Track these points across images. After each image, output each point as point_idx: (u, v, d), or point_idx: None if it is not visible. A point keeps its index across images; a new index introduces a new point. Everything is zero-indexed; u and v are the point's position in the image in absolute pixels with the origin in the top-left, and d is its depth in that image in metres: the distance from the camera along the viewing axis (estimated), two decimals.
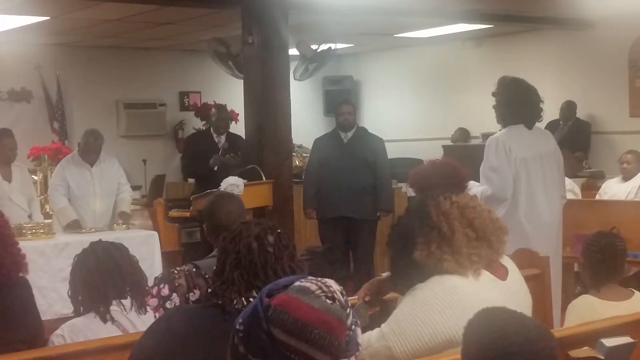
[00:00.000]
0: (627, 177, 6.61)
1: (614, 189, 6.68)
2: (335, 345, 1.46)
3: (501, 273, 2.42)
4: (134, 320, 2.89)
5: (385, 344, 2.29)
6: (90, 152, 6.23)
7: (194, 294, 2.88)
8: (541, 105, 4.51)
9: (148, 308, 2.93)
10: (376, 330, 2.36)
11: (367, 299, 2.70)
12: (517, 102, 4.46)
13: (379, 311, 2.69)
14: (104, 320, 2.84)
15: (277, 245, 2.13)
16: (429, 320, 2.25)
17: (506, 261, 2.49)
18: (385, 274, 2.85)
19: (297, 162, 8.17)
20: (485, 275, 2.36)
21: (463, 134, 9.88)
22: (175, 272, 2.99)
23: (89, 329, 2.79)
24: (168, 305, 2.89)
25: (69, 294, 2.97)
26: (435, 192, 2.52)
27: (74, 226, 6.02)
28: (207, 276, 2.83)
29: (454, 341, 2.22)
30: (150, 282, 3.05)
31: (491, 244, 2.38)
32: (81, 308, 2.92)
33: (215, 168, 6.62)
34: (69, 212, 6.10)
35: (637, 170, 6.59)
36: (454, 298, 2.26)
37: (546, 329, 1.80)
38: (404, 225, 2.44)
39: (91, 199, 6.21)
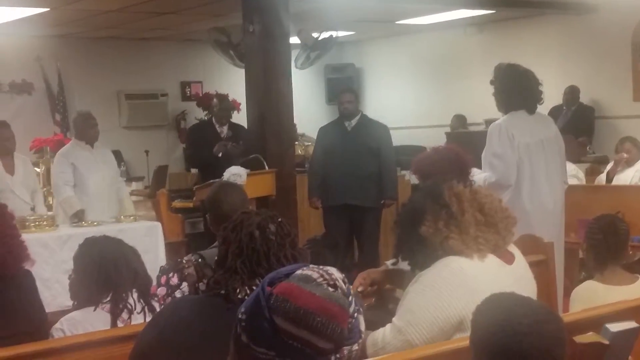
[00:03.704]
0: (629, 163, 6.59)
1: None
2: (338, 333, 1.46)
3: (508, 258, 2.43)
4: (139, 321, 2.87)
5: (404, 338, 2.29)
6: (92, 126, 6.24)
7: (204, 283, 2.88)
8: (540, 88, 4.49)
9: (155, 299, 2.92)
10: (388, 326, 2.35)
11: (360, 289, 2.70)
12: (515, 87, 4.44)
13: (374, 302, 2.70)
14: (117, 316, 2.80)
15: (279, 233, 2.13)
16: (442, 304, 2.25)
17: (512, 248, 2.50)
18: (382, 267, 2.86)
19: (299, 151, 8.16)
20: (492, 258, 2.37)
21: (460, 120, 9.88)
22: (184, 261, 3.00)
23: (88, 322, 2.79)
24: (177, 294, 2.89)
25: (72, 285, 2.95)
26: (439, 180, 2.53)
27: (79, 215, 6.04)
28: (212, 266, 2.83)
29: (466, 322, 2.23)
30: (156, 272, 3.04)
31: (498, 231, 2.40)
32: (82, 300, 2.90)
33: (220, 155, 6.61)
34: (74, 201, 6.11)
35: (638, 155, 6.57)
36: (462, 279, 2.27)
37: (554, 311, 1.81)
38: (415, 203, 2.46)
39: (99, 177, 6.24)
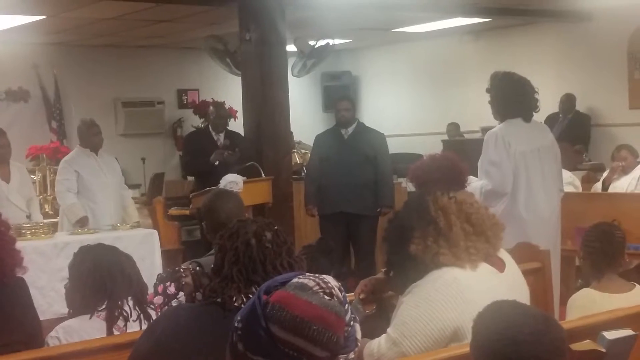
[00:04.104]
0: (626, 171, 6.60)
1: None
2: (334, 341, 1.45)
3: (499, 266, 2.43)
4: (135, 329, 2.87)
5: (398, 349, 2.28)
6: (95, 134, 6.33)
7: (201, 293, 2.86)
8: (536, 96, 4.50)
9: (151, 310, 2.91)
10: (383, 337, 2.35)
11: (362, 296, 2.69)
12: (511, 95, 4.45)
13: (375, 309, 2.69)
14: (112, 324, 2.80)
15: (275, 241, 2.12)
16: (435, 316, 2.25)
17: (503, 254, 2.50)
18: (380, 274, 2.84)
19: (298, 160, 8.14)
20: (484, 266, 2.36)
21: (455, 128, 9.90)
22: (181, 270, 2.98)
23: (83, 330, 2.78)
24: (174, 303, 2.88)
25: (67, 293, 2.95)
26: (435, 187, 2.52)
27: (83, 223, 6.06)
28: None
29: (460, 332, 2.23)
30: (152, 280, 3.03)
31: (488, 239, 2.39)
32: (81, 308, 2.89)
33: (217, 163, 6.61)
34: (77, 208, 6.16)
35: (634, 163, 6.58)
36: (456, 290, 2.26)
37: (555, 321, 1.80)
38: (401, 220, 2.44)
39: (103, 184, 6.29)
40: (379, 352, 2.32)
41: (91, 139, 6.32)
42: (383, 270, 2.90)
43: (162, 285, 2.94)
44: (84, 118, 6.59)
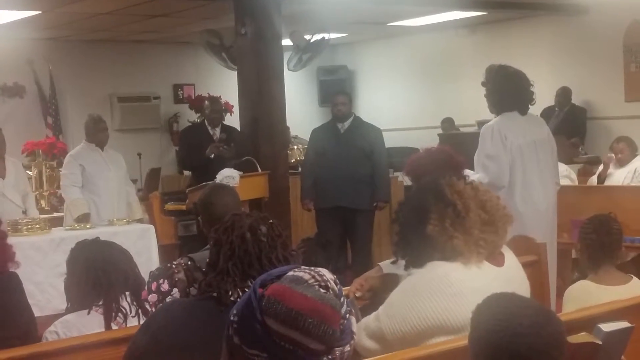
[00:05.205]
0: (622, 163, 6.61)
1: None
2: (330, 334, 1.46)
3: (498, 260, 2.42)
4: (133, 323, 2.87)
5: (378, 324, 2.32)
6: (102, 130, 6.42)
7: (195, 288, 2.86)
8: (532, 89, 4.50)
9: (146, 305, 2.90)
10: (375, 312, 2.38)
11: (357, 294, 2.70)
12: (507, 88, 4.46)
13: (369, 303, 2.69)
14: (110, 319, 2.79)
15: (271, 235, 2.13)
16: (417, 305, 2.26)
17: (503, 248, 2.49)
18: (376, 269, 2.84)
19: (296, 156, 8.10)
20: (483, 262, 2.36)
21: (449, 123, 9.90)
22: (174, 266, 2.98)
23: (82, 324, 2.78)
24: (168, 300, 2.87)
25: (65, 288, 2.94)
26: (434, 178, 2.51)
27: (84, 219, 6.08)
28: (203, 269, 2.82)
29: (444, 327, 2.24)
30: (146, 275, 3.03)
31: (497, 230, 2.39)
32: (78, 302, 2.89)
33: (212, 156, 6.61)
34: (80, 204, 6.19)
35: (631, 155, 6.58)
36: (444, 284, 2.26)
37: (554, 314, 1.80)
38: (418, 200, 2.43)
39: (108, 179, 6.35)
40: (366, 322, 2.36)
41: (97, 134, 6.41)
42: (380, 264, 2.91)
43: (155, 282, 2.94)
44: (91, 113, 6.67)
